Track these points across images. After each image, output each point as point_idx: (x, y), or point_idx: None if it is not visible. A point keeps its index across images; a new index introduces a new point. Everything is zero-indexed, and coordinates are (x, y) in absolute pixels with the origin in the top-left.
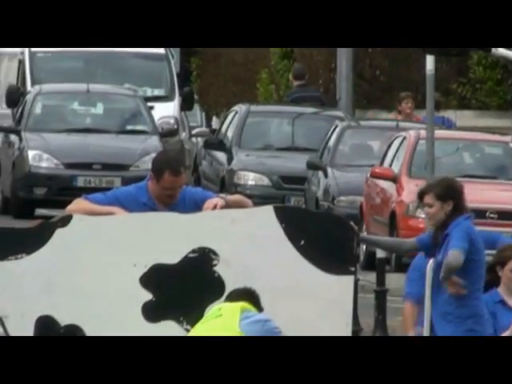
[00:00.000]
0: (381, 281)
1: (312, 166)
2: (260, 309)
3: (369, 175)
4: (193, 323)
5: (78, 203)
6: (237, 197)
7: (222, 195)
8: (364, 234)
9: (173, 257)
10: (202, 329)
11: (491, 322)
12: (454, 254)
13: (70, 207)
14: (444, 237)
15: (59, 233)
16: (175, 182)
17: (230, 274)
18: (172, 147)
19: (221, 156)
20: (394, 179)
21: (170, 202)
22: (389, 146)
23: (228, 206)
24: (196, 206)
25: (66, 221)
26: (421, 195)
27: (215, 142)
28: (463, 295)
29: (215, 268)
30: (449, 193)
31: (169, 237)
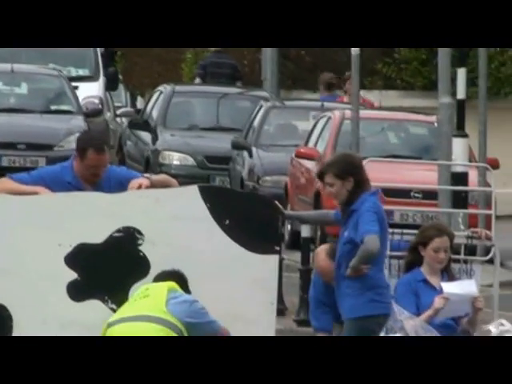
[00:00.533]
0: (305, 260)
1: (237, 146)
2: (187, 291)
3: (294, 155)
4: (118, 302)
5: (2, 183)
6: (162, 177)
7: (146, 175)
8: (289, 211)
9: (98, 236)
10: (129, 309)
11: (413, 300)
12: (372, 240)
13: None
14: (350, 212)
15: None
16: (99, 160)
17: (155, 254)
18: (97, 127)
19: (145, 136)
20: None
21: (94, 180)
22: (314, 126)
23: (153, 185)
24: (121, 186)
25: None
26: (320, 176)
27: (140, 122)
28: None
29: (140, 247)
30: (347, 170)
31: (94, 216)
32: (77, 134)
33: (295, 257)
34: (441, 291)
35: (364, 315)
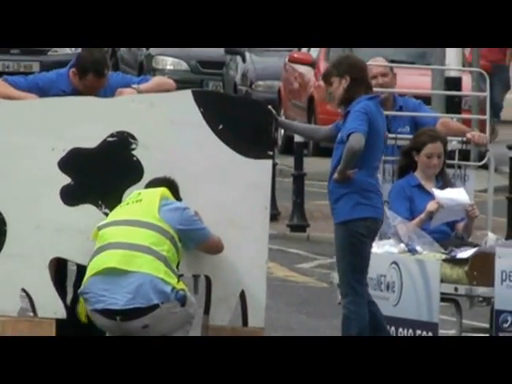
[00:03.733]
0: (299, 165)
1: (230, 51)
2: (179, 198)
3: (287, 60)
4: (111, 207)
5: None
6: (154, 82)
7: (134, 86)
8: (282, 118)
9: (91, 141)
10: (121, 212)
11: (407, 204)
12: (355, 138)
13: None
14: (346, 114)
15: None
16: (98, 83)
17: (149, 158)
18: None
19: None
20: (313, 64)
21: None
22: None
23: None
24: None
25: None
26: (325, 78)
27: None
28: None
29: (134, 152)
30: (346, 68)
31: (87, 121)
32: None
33: (288, 162)
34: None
35: (350, 219)
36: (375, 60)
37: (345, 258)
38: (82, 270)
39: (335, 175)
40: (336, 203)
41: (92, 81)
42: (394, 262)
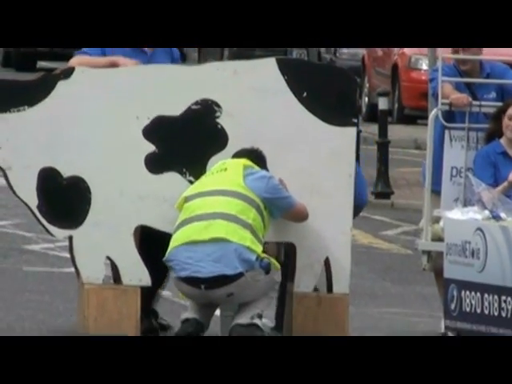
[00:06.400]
0: (383, 132)
1: None
2: (265, 168)
3: None
4: (196, 175)
5: (77, 60)
6: None
7: None
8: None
9: (175, 108)
10: (206, 182)
11: (492, 171)
12: None
13: (72, 61)
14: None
15: (61, 85)
16: None
17: (233, 126)
18: None
19: None
20: None
21: None
22: None
23: None
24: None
25: (68, 73)
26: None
27: None
28: None
29: (218, 120)
30: None
31: (171, 89)
32: None
33: (372, 129)
34: None
35: None
36: None
37: None
38: (162, 238)
39: None
40: None
41: None
42: (479, 229)
